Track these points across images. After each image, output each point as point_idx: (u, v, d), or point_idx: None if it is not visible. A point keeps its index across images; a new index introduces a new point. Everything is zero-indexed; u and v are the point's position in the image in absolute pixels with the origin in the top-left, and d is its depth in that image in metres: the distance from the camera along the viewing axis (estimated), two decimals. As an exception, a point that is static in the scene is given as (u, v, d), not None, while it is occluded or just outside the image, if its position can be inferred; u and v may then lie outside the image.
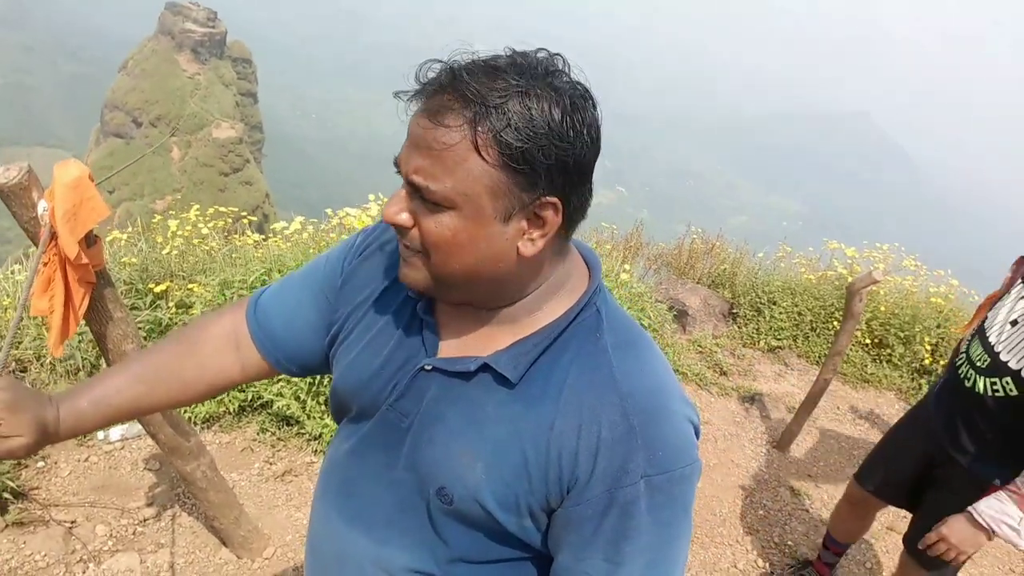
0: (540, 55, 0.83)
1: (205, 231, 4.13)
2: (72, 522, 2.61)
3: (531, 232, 0.85)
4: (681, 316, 5.44)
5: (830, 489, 3.66)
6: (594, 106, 0.84)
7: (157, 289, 3.63)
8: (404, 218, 0.86)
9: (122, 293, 3.59)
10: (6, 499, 2.58)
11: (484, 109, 0.78)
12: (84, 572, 2.42)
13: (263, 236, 4.76)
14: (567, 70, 0.83)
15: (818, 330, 5.19)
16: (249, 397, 3.27)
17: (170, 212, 4.39)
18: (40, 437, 0.98)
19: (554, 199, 0.83)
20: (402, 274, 0.91)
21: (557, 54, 0.84)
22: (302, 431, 3.23)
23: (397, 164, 0.85)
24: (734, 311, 5.57)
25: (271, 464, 3.11)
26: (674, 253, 6.47)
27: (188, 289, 3.64)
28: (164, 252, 3.93)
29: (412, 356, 0.97)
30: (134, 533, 2.62)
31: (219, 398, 3.26)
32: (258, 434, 3.25)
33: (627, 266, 4.68)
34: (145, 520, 2.68)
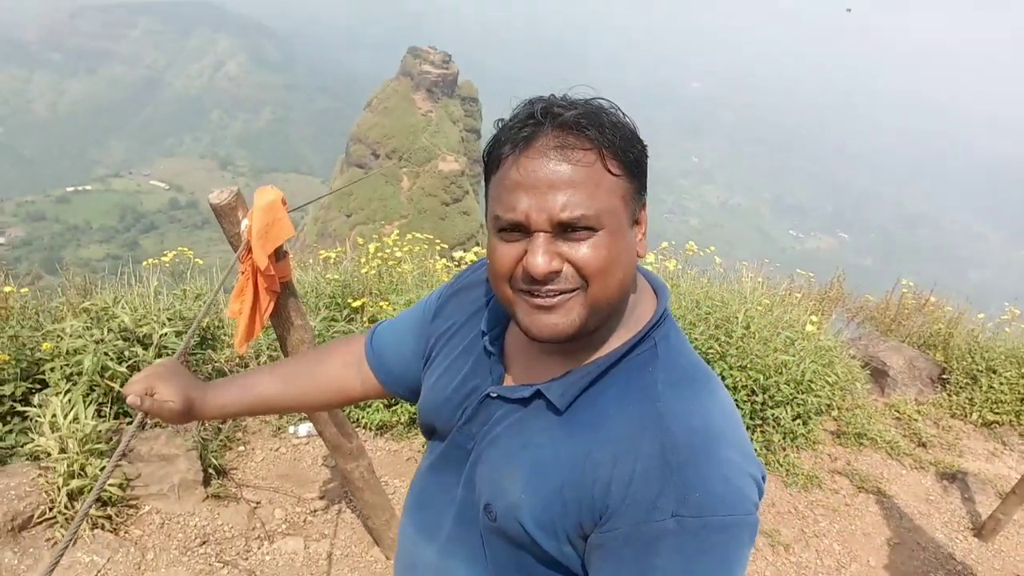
0: (558, 97, 0.92)
1: (399, 254, 4.50)
2: (257, 502, 2.97)
3: (638, 234, 0.95)
4: (879, 376, 4.97)
5: (1041, 594, 3.14)
6: None
7: (354, 304, 4.03)
8: (557, 264, 0.86)
9: (325, 306, 4.03)
10: (210, 474, 2.99)
11: (598, 129, 0.86)
12: (259, 548, 2.73)
13: (455, 263, 5.10)
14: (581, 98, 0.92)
15: (1049, 407, 4.48)
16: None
17: (396, 236, 4.85)
18: (186, 407, 1.18)
19: (645, 199, 0.94)
20: (546, 324, 0.89)
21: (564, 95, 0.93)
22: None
23: (515, 223, 0.87)
24: (944, 377, 4.98)
25: (431, 476, 3.31)
26: (880, 307, 5.94)
27: (379, 306, 3.99)
28: (363, 271, 4.35)
29: (480, 384, 1.05)
30: (304, 521, 2.92)
31: (392, 408, 3.53)
32: (423, 446, 3.47)
33: (814, 317, 4.37)
34: (315, 511, 2.98)
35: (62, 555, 0.96)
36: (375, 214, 68.09)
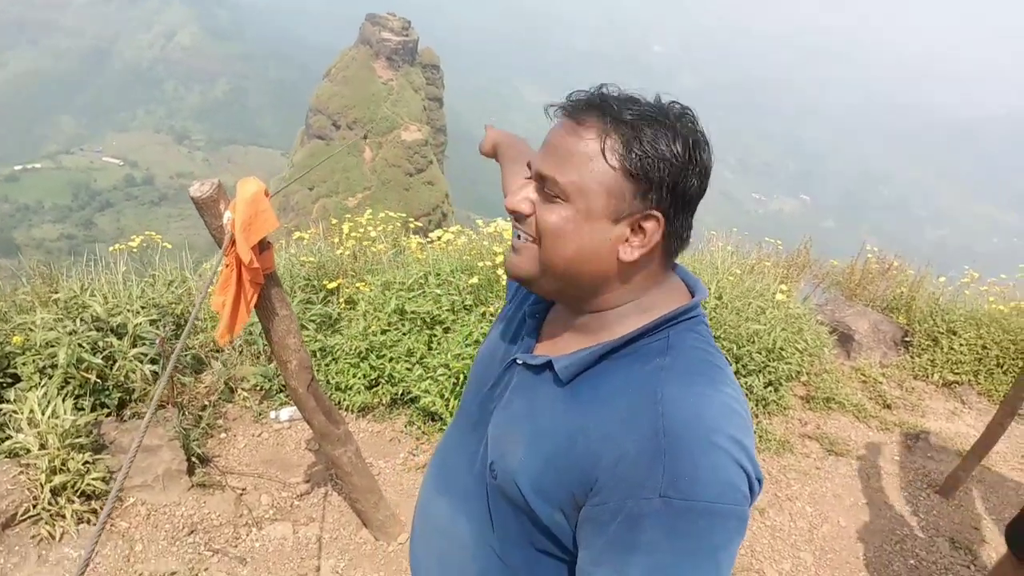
0: (676, 104, 0.97)
1: (373, 234, 4.47)
2: (243, 489, 2.98)
3: (632, 240, 0.96)
4: (845, 341, 5.12)
5: (1000, 547, 3.31)
6: (710, 154, 0.97)
7: (330, 286, 4.01)
8: (525, 205, 0.98)
9: (300, 288, 4.01)
10: (194, 463, 2.99)
11: (617, 122, 0.92)
12: (248, 535, 2.75)
13: (428, 240, 5.08)
14: (696, 120, 0.97)
15: (1006, 367, 4.66)
16: (400, 391, 3.53)
17: (360, 208, 4.82)
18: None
19: (658, 213, 0.94)
20: (509, 260, 1.03)
21: (689, 108, 0.98)
22: (444, 427, 3.44)
23: (529, 166, 1.00)
24: (907, 339, 5.15)
25: (414, 455, 3.35)
26: (845, 273, 6.08)
27: (356, 287, 3.98)
28: (338, 252, 4.33)
29: (512, 350, 1.13)
30: (291, 505, 2.94)
31: (373, 390, 3.55)
32: (406, 427, 3.50)
33: (784, 286, 4.47)
34: (301, 495, 3.00)
35: (88, 563, 0.97)
36: (338, 186, 67.17)
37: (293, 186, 68.48)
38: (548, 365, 1.02)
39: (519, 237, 1.00)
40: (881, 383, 4.60)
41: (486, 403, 1.13)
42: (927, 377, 4.81)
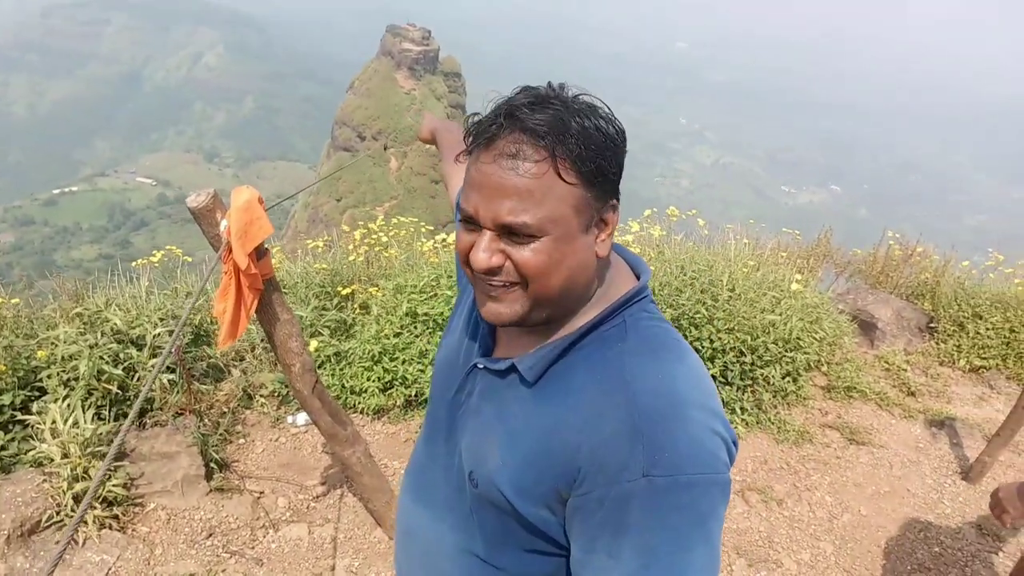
0: (551, 86, 0.94)
1: (385, 239, 4.53)
2: (260, 493, 3.04)
3: (601, 235, 0.96)
4: (868, 329, 5.04)
5: (1029, 531, 3.23)
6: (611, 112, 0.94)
7: (344, 292, 4.07)
8: (497, 258, 0.92)
9: (315, 295, 4.07)
10: (212, 468, 3.05)
11: (556, 137, 0.87)
12: (265, 536, 2.81)
13: (442, 243, 5.12)
14: (575, 92, 0.93)
15: (1035, 350, 4.55)
16: (414, 392, 3.57)
17: (388, 218, 4.89)
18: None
19: (615, 201, 0.96)
20: (492, 311, 0.97)
21: (561, 84, 0.94)
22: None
23: (469, 216, 0.93)
24: (932, 325, 5.05)
25: (429, 456, 3.37)
26: (868, 260, 5.99)
27: (369, 292, 4.03)
28: (351, 259, 4.39)
29: (471, 356, 1.12)
30: (307, 507, 2.99)
31: (388, 392, 3.59)
32: (420, 428, 3.53)
33: (799, 276, 4.42)
34: (317, 497, 3.05)
35: (61, 555, 1.01)
36: (364, 196, 67.84)
37: (321, 198, 69.38)
38: (512, 368, 1.02)
39: (496, 286, 0.95)
40: (905, 370, 4.52)
41: (453, 410, 1.12)
42: (953, 363, 4.72)
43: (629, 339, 0.97)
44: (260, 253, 2.10)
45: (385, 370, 3.59)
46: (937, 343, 4.89)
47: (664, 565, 0.86)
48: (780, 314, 3.95)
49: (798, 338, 3.93)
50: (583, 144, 0.88)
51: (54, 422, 2.79)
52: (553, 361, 0.99)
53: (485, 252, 0.92)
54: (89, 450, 2.74)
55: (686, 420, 0.88)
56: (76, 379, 3.08)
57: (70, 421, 2.78)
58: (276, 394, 3.63)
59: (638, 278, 1.07)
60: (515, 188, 0.88)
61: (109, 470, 2.74)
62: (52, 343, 3.21)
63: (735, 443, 0.95)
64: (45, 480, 2.69)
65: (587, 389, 0.94)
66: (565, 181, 0.88)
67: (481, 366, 1.07)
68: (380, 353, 3.61)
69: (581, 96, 0.92)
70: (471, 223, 0.94)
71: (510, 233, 0.90)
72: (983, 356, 4.65)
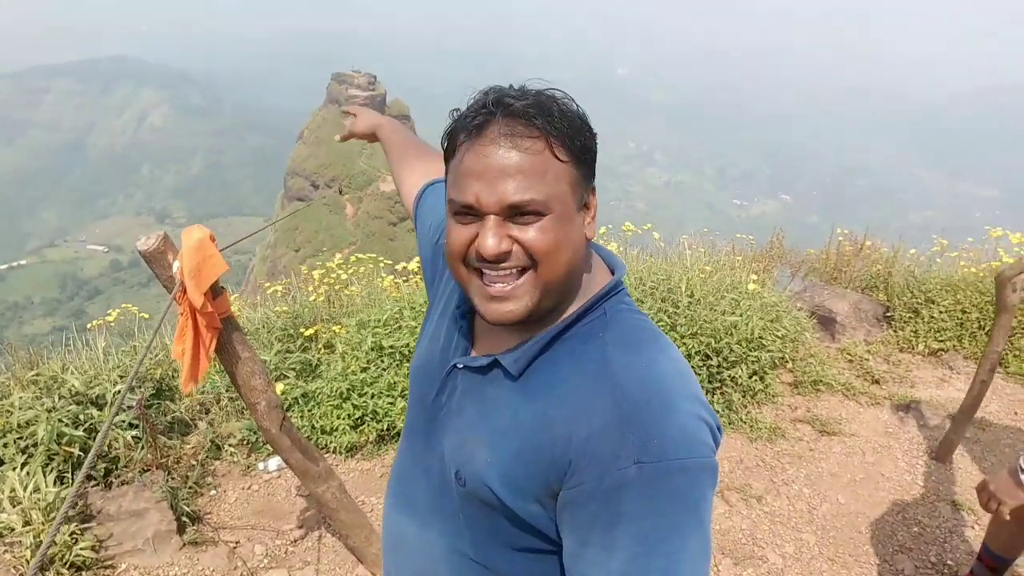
0: (533, 81, 0.98)
1: (344, 277, 4.51)
2: (236, 542, 2.96)
3: (587, 218, 1.00)
4: (828, 324, 5.15)
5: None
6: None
7: (307, 333, 4.03)
8: (507, 245, 0.92)
9: (277, 339, 4.02)
10: (184, 522, 2.97)
11: (545, 118, 0.91)
12: (243, 586, 2.73)
13: (403, 278, 5.11)
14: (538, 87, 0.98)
15: (987, 328, 4.69)
16: (385, 426, 3.53)
17: (340, 260, 4.86)
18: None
19: (593, 184, 1.00)
20: (497, 311, 0.95)
21: (522, 85, 0.98)
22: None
23: (468, 206, 0.93)
24: (888, 315, 5.18)
25: (406, 488, 3.32)
26: (821, 258, 6.14)
27: (332, 331, 4.00)
28: (312, 299, 4.35)
29: (449, 356, 1.12)
30: (286, 552, 2.92)
31: (359, 429, 3.54)
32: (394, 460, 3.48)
33: (754, 276, 4.51)
34: (295, 541, 2.98)
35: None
36: (323, 244, 67.27)
37: (279, 250, 68.67)
38: (495, 363, 1.02)
39: (502, 278, 0.94)
40: (867, 360, 4.62)
41: (433, 414, 1.11)
42: (912, 349, 4.84)
43: (611, 331, 0.99)
44: (216, 291, 2.08)
45: (355, 406, 3.55)
46: (895, 331, 5.01)
47: (660, 552, 0.86)
48: (741, 315, 4.02)
49: (760, 337, 4.00)
50: (568, 124, 0.93)
51: (12, 490, 2.69)
52: (537, 354, 1.00)
53: (494, 237, 0.92)
54: (53, 515, 2.64)
55: (673, 408, 0.90)
56: (35, 445, 2.98)
57: (30, 487, 2.69)
58: (245, 442, 3.56)
59: (612, 272, 1.09)
60: (518, 166, 0.90)
61: (76, 533, 2.65)
62: (7, 410, 3.11)
63: (719, 428, 0.96)
64: (7, 551, 2.58)
65: (573, 381, 0.95)
66: (559, 159, 0.92)
67: (461, 366, 1.07)
68: (348, 390, 3.57)
69: (546, 90, 0.97)
70: (469, 215, 0.94)
71: (515, 215, 0.92)
72: (939, 339, 4.78)
